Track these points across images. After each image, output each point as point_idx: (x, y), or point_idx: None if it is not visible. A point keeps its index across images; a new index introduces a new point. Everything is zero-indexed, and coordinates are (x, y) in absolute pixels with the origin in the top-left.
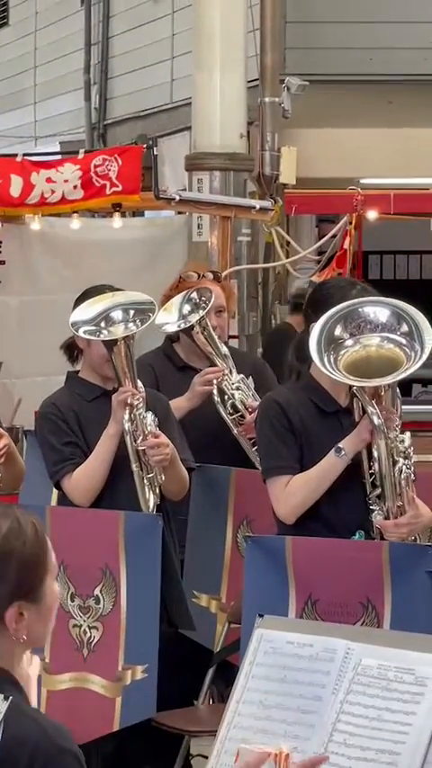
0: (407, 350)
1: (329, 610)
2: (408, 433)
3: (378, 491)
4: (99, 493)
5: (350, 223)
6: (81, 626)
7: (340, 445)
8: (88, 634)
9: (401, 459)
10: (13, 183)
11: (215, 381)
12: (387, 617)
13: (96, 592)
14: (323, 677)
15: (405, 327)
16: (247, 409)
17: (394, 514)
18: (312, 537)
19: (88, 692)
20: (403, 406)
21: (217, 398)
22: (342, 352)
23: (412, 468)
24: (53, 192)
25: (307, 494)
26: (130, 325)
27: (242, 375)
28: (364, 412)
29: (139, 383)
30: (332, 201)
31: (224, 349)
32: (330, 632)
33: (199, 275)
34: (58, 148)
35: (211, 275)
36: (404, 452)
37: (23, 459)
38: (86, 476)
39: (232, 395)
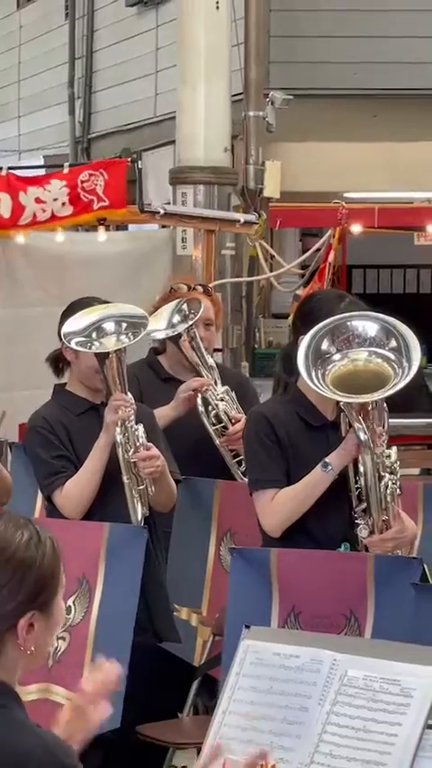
0: (395, 365)
1: (312, 621)
2: (394, 448)
3: (364, 505)
4: (90, 507)
5: (333, 237)
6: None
7: (327, 460)
8: (55, 644)
9: (387, 475)
10: (2, 203)
11: (201, 390)
12: (368, 628)
13: (69, 602)
14: (309, 688)
15: (393, 343)
16: (230, 420)
17: (379, 529)
18: (297, 549)
19: (51, 704)
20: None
21: (201, 408)
22: (330, 367)
23: (398, 483)
24: (44, 210)
25: (293, 507)
26: (122, 337)
27: (227, 387)
28: (351, 427)
29: (130, 395)
30: (316, 215)
31: (210, 360)
32: (316, 643)
33: (189, 287)
34: (42, 162)
35: (201, 288)
36: (390, 468)
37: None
38: (78, 488)
39: (216, 405)
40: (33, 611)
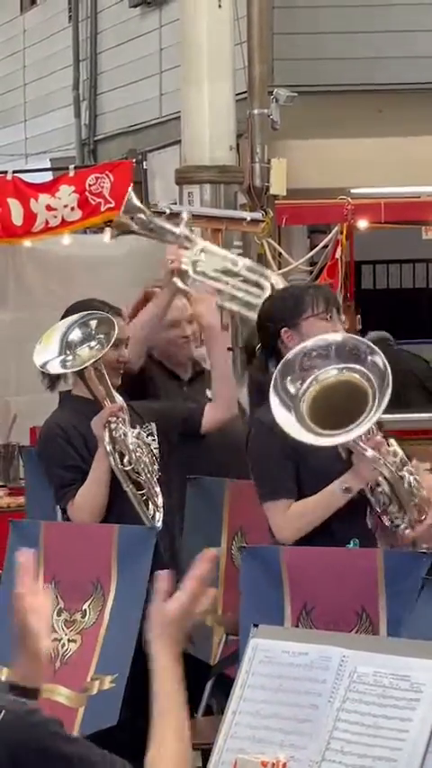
0: (360, 373)
1: (324, 619)
2: (392, 440)
3: (395, 507)
4: (107, 511)
5: (341, 233)
6: (61, 639)
7: (347, 485)
8: (66, 647)
9: (403, 470)
10: (12, 211)
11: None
12: (383, 625)
13: (85, 606)
14: (319, 686)
15: (354, 354)
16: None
17: (416, 519)
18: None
19: (51, 703)
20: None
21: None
22: (302, 407)
23: (413, 471)
24: (55, 217)
25: (310, 522)
26: (94, 343)
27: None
28: (351, 453)
29: (118, 400)
30: (323, 212)
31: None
32: (325, 640)
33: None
34: (48, 165)
35: None
36: (402, 461)
37: (21, 476)
38: (87, 499)
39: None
40: None
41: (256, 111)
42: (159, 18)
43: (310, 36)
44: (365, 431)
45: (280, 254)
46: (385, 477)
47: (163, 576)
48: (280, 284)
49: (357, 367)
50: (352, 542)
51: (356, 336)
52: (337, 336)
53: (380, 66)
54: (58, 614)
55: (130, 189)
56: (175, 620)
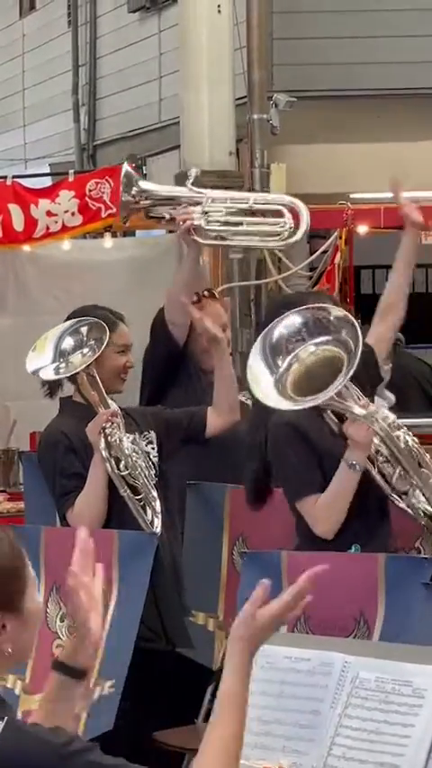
0: (339, 345)
1: (321, 624)
2: (378, 405)
3: (398, 470)
4: (107, 518)
5: (340, 238)
6: (64, 646)
7: (353, 462)
8: None
9: (397, 431)
10: (13, 217)
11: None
12: (377, 630)
13: None
14: (321, 691)
15: (323, 327)
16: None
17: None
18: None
19: None
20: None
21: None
22: (287, 380)
23: (410, 434)
24: (56, 222)
25: (338, 511)
26: (86, 350)
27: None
28: (341, 420)
29: (113, 406)
30: (322, 217)
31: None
32: (327, 646)
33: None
34: (48, 171)
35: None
36: (395, 423)
37: (21, 481)
38: (86, 507)
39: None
40: (1, 613)
41: (255, 117)
42: (158, 23)
43: (309, 41)
44: (343, 385)
45: (280, 259)
46: (380, 436)
47: (264, 586)
48: (296, 202)
49: (329, 338)
50: (353, 547)
51: (310, 307)
52: (297, 317)
53: (379, 71)
54: (61, 620)
55: (125, 164)
56: (263, 627)
